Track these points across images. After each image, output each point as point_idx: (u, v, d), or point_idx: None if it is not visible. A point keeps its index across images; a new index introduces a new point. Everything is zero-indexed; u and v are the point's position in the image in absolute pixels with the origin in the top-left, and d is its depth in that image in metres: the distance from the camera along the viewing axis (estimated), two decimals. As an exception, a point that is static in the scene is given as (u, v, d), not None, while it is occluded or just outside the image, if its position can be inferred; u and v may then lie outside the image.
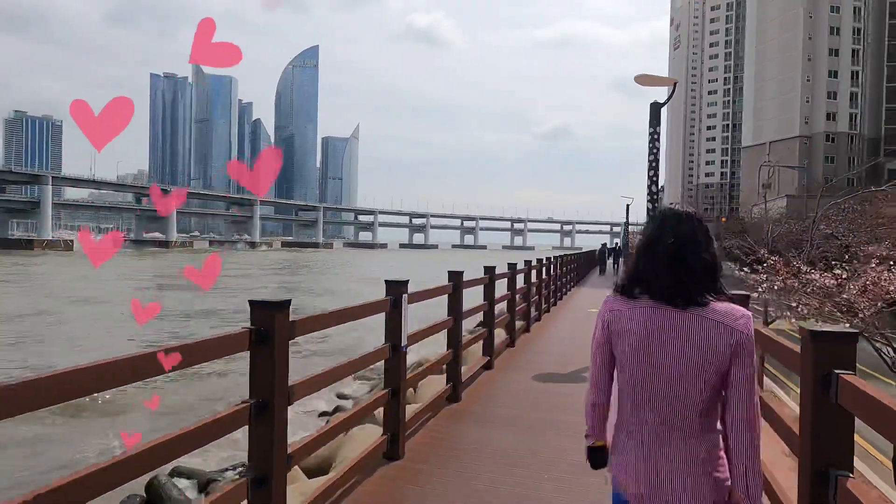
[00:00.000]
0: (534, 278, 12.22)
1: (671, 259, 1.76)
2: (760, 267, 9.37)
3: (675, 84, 10.04)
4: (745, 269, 10.83)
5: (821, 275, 7.54)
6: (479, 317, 8.72)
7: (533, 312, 12.46)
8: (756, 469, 1.73)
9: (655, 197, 9.12)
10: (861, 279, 7.05)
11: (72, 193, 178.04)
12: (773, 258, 9.41)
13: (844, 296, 6.71)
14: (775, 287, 8.56)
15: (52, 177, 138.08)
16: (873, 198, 23.68)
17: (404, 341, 4.60)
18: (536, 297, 12.78)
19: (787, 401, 8.13)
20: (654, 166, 9.20)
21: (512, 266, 9.76)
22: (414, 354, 13.77)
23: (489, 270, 7.98)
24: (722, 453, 1.79)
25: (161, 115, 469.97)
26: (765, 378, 8.86)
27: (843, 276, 7.17)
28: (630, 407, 1.83)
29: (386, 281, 4.59)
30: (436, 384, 7.17)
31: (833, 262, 9.43)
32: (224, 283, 41.33)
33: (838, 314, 6.67)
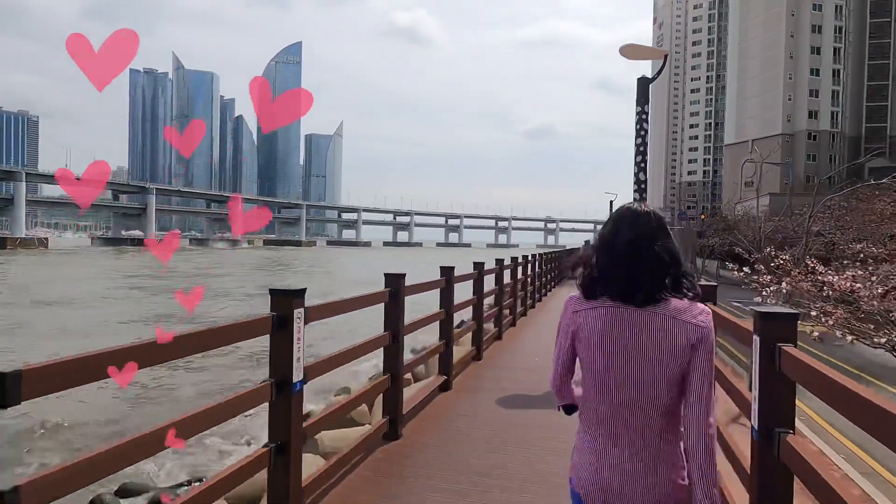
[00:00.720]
0: (507, 279, 10.94)
1: (627, 257, 1.73)
2: (763, 268, 8.15)
3: (665, 58, 8.78)
4: (745, 269, 9.57)
5: (839, 276, 6.32)
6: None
7: (507, 316, 11.18)
8: (711, 470, 1.70)
9: (643, 186, 7.85)
10: (888, 282, 5.84)
11: (49, 190, 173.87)
12: (784, 257, 8.14)
13: (875, 303, 5.47)
14: (784, 290, 7.32)
15: (27, 173, 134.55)
16: (863, 194, 22.64)
17: (298, 376, 3.25)
18: (511, 299, 11.48)
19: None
20: (641, 150, 7.92)
21: (479, 265, 8.44)
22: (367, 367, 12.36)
23: (446, 272, 6.65)
24: (682, 454, 1.77)
25: (141, 112, 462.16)
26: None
27: (872, 279, 5.95)
28: (593, 408, 1.79)
29: (271, 290, 3.23)
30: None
31: (845, 262, 8.17)
32: (201, 283, 39.55)
33: (870, 326, 5.45)
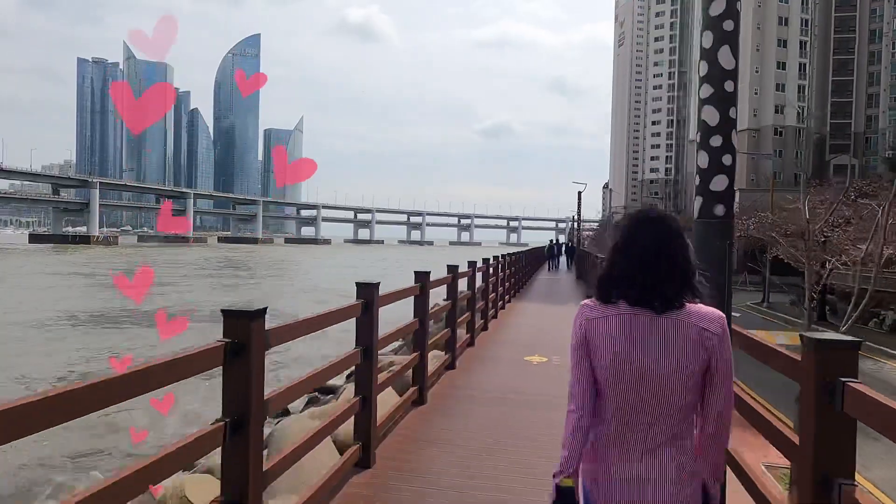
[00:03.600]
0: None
1: (646, 261, 1.71)
2: None
3: None
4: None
5: None
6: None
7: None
8: (721, 458, 1.78)
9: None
10: None
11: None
12: None
13: None
14: None
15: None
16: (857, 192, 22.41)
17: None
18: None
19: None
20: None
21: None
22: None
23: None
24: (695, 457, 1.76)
25: (90, 103, 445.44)
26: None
27: None
28: (609, 415, 1.76)
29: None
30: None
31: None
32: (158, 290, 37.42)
33: None
